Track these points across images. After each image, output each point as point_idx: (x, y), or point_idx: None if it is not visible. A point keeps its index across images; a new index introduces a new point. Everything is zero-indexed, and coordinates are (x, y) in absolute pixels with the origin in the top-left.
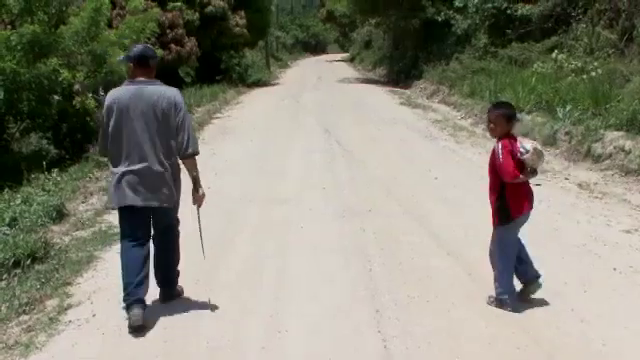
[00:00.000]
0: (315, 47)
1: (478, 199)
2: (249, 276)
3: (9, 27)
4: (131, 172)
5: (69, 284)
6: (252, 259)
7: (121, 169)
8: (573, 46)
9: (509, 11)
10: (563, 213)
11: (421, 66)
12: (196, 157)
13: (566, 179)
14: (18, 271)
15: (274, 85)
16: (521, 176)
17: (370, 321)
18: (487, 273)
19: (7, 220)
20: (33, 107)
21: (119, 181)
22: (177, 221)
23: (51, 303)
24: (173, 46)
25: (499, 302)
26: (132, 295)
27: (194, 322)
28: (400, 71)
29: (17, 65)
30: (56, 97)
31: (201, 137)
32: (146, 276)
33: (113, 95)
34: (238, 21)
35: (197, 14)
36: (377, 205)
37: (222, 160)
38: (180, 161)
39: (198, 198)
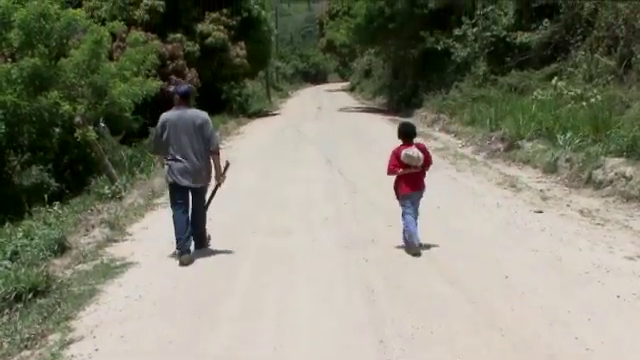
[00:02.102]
0: (315, 77)
1: (481, 228)
2: (251, 307)
3: (10, 60)
4: (180, 164)
5: (71, 318)
6: (254, 290)
7: (173, 162)
8: (572, 73)
9: (508, 39)
10: (565, 241)
11: (421, 94)
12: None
13: (567, 206)
14: (20, 305)
15: (275, 115)
16: (400, 170)
17: (374, 353)
18: (490, 301)
19: (8, 254)
20: (34, 140)
21: (172, 170)
22: (205, 199)
23: (53, 338)
24: (174, 77)
25: (405, 239)
26: (183, 247)
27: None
28: (400, 100)
29: (18, 98)
30: (57, 129)
31: None
32: (190, 233)
33: (165, 116)
34: (238, 52)
35: (197, 45)
36: (379, 235)
37: (223, 191)
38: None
39: (221, 177)
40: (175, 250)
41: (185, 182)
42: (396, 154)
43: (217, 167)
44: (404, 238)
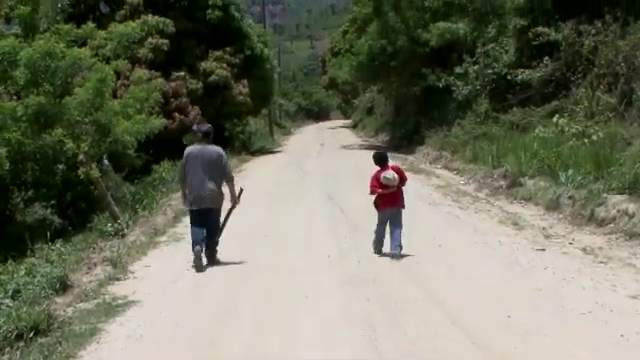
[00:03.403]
0: (318, 114)
1: (483, 266)
2: (253, 349)
3: (15, 98)
4: (198, 191)
5: (72, 357)
6: (256, 331)
7: (193, 189)
8: (574, 110)
9: (509, 77)
10: (568, 279)
11: (423, 132)
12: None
13: (570, 244)
14: (21, 344)
15: (277, 152)
16: (379, 190)
17: None
18: (493, 341)
19: (10, 292)
20: (37, 177)
21: (192, 196)
22: (219, 219)
23: None
24: (177, 115)
25: (375, 246)
26: (197, 253)
27: None
28: (402, 137)
29: (22, 136)
30: (60, 167)
31: None
32: (203, 244)
33: (189, 150)
34: (241, 90)
35: (201, 83)
36: (381, 273)
37: (225, 229)
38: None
39: (235, 201)
40: (191, 258)
41: (203, 205)
42: (376, 177)
43: (232, 193)
44: (374, 246)
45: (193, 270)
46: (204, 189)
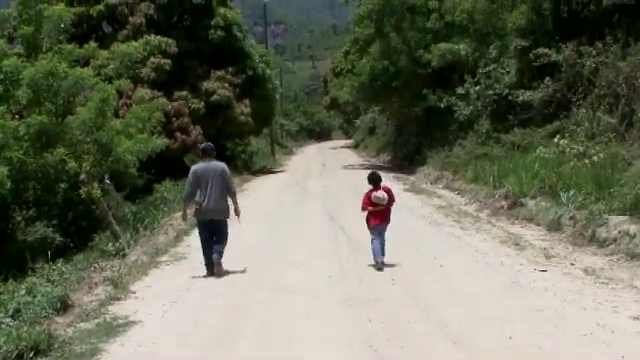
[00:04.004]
0: (319, 134)
1: (484, 287)
2: None
3: (17, 117)
4: (206, 204)
5: None
6: (257, 350)
7: (201, 203)
8: (574, 131)
9: (510, 97)
10: (569, 300)
11: (425, 152)
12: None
13: (572, 264)
14: None
15: (279, 172)
16: (370, 208)
17: None
18: None
19: (11, 311)
20: (39, 196)
21: (200, 209)
22: (226, 228)
23: None
24: (178, 134)
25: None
26: (207, 262)
27: None
28: (404, 157)
29: (24, 155)
30: (62, 186)
31: None
32: (211, 253)
33: (196, 167)
34: (243, 109)
35: (202, 103)
36: (383, 294)
37: (227, 249)
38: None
39: (239, 213)
40: (205, 270)
41: (209, 217)
42: (368, 196)
43: (235, 204)
44: (373, 257)
45: (194, 290)
46: (211, 202)
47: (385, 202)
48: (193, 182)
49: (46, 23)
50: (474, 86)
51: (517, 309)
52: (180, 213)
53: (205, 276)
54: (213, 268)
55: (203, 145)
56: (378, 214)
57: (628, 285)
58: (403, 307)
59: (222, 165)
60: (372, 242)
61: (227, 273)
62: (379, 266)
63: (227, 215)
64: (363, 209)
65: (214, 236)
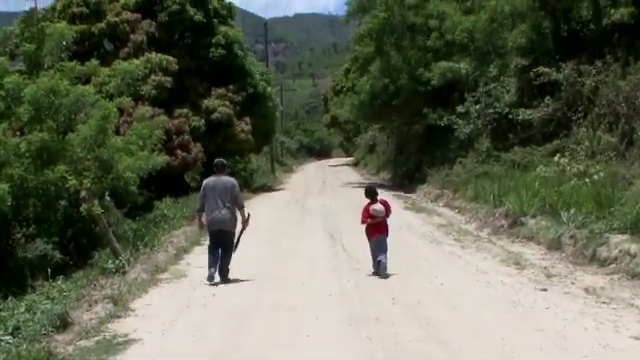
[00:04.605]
0: (319, 152)
1: (485, 306)
2: None
3: (18, 134)
4: (214, 215)
5: None
6: None
7: (210, 214)
8: (575, 150)
9: (511, 116)
10: (570, 320)
11: (425, 170)
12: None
13: (572, 284)
14: None
15: (279, 190)
16: (369, 220)
17: None
18: None
19: (10, 329)
20: (39, 213)
21: (210, 220)
22: (232, 241)
23: None
24: (179, 152)
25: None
26: (211, 274)
27: None
28: (404, 175)
29: (25, 172)
30: (62, 203)
31: (204, 246)
32: (217, 266)
33: (207, 181)
34: (243, 127)
35: (203, 120)
36: (383, 313)
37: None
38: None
39: (246, 224)
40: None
41: (217, 227)
42: (367, 209)
43: (243, 217)
44: (373, 266)
45: (194, 308)
46: (220, 213)
47: (382, 214)
48: (203, 195)
49: (48, 41)
50: (474, 104)
51: (518, 329)
52: (183, 228)
53: (206, 283)
54: (213, 270)
55: (216, 161)
56: (376, 226)
57: (629, 305)
58: (403, 326)
59: (232, 180)
60: (372, 252)
61: (230, 280)
62: (382, 276)
63: (234, 226)
64: (363, 222)
65: (221, 247)
